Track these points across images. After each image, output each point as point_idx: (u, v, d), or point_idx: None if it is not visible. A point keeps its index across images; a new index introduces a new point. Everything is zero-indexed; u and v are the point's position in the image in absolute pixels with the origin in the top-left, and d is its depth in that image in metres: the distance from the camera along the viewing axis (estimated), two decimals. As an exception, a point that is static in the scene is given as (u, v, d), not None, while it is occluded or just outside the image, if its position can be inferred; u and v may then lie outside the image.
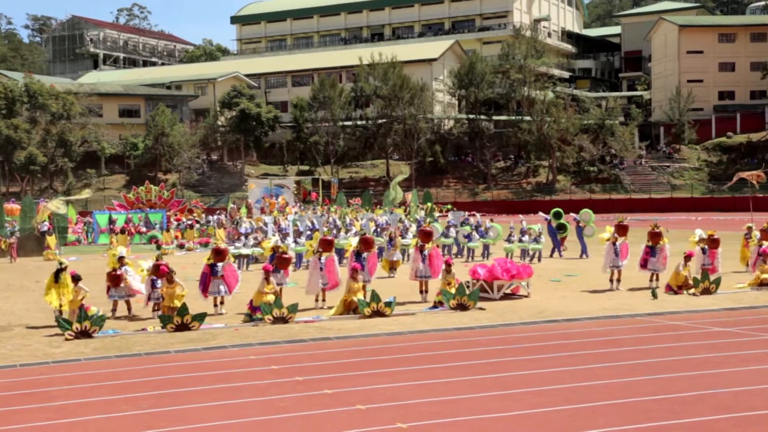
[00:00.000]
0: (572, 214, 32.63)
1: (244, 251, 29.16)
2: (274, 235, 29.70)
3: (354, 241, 22.17)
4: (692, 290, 20.05)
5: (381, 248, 27.97)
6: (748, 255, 24.38)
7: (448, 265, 19.32)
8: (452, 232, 32.10)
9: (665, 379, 11.68)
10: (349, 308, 18.00)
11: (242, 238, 30.72)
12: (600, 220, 34.67)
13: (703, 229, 23.21)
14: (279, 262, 19.55)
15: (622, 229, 22.03)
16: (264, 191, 58.56)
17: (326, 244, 19.66)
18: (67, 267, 17.58)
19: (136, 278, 18.75)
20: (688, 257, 20.90)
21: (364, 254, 20.81)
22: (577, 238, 31.33)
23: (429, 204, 47.65)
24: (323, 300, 19.23)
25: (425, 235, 21.07)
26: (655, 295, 19.55)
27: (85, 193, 42.51)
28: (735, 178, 53.41)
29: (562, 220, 31.77)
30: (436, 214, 43.93)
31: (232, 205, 51.23)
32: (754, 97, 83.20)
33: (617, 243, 21.42)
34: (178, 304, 16.90)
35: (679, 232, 37.66)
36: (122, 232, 40.40)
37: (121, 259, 18.72)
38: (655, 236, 21.41)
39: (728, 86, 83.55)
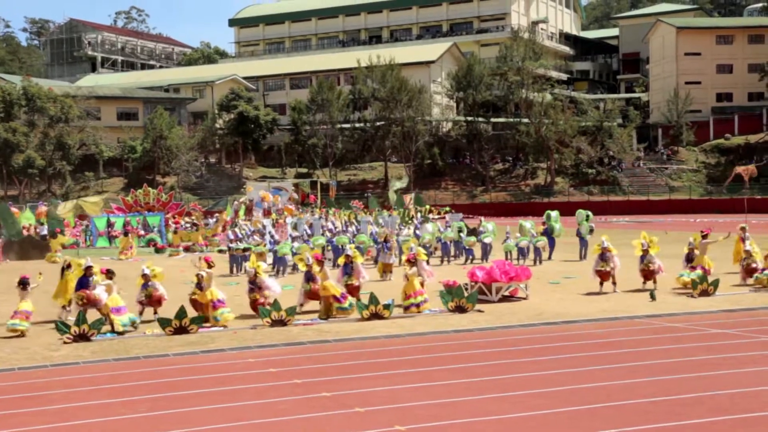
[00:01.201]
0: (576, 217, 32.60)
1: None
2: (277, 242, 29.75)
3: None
4: (691, 291, 20.12)
5: (378, 251, 27.98)
6: (742, 253, 24.58)
7: (409, 261, 19.44)
8: (448, 230, 32.05)
9: (664, 380, 11.69)
10: (328, 305, 18.01)
11: (237, 242, 30.62)
12: (598, 222, 34.67)
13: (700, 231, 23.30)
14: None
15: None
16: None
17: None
18: (71, 265, 17.83)
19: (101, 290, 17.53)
20: (705, 235, 21.18)
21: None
22: (578, 239, 31.31)
23: (425, 207, 47.54)
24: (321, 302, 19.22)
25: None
26: (653, 297, 19.55)
27: (96, 199, 43.61)
28: (732, 175, 53.70)
29: (551, 221, 31.74)
30: (432, 216, 43.92)
31: (248, 199, 51.56)
32: (751, 99, 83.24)
33: (606, 254, 21.31)
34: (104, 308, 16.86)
35: (678, 233, 37.71)
36: (126, 234, 40.64)
37: (88, 269, 17.62)
38: (648, 274, 21.35)
39: (726, 88, 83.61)
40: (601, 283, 21.15)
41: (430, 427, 9.69)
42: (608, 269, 20.99)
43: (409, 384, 11.78)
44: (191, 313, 17.04)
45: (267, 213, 49.60)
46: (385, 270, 26.10)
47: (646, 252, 21.30)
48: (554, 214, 32.03)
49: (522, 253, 29.59)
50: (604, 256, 21.14)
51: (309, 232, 32.70)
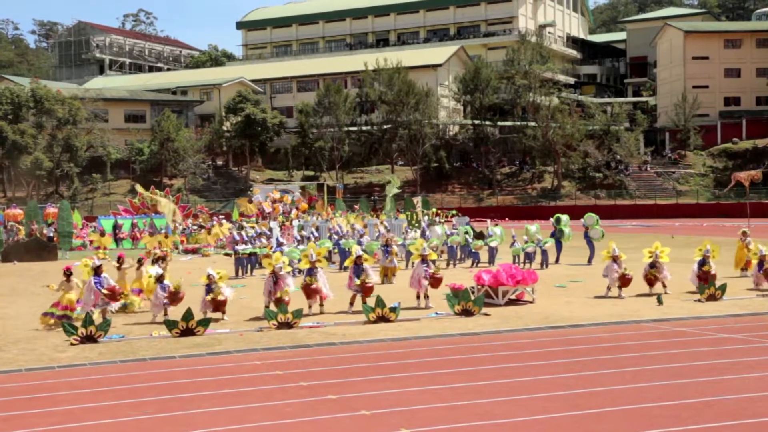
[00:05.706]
0: (581, 221, 32.56)
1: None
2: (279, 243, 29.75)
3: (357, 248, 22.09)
4: (698, 296, 20.08)
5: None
6: (744, 258, 24.61)
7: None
8: (458, 232, 32.06)
9: (670, 385, 11.65)
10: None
11: (243, 244, 30.60)
12: (605, 226, 34.58)
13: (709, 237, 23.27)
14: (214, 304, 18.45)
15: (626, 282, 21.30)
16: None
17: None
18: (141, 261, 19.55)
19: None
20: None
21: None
22: (586, 243, 31.22)
23: (432, 210, 47.38)
24: (321, 305, 19.22)
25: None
26: (660, 302, 19.50)
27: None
28: (732, 182, 53.82)
29: (561, 225, 31.66)
30: (439, 219, 43.91)
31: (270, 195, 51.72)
32: (759, 103, 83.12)
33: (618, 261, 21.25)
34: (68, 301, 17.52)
35: (685, 238, 37.61)
36: (151, 234, 41.25)
37: (98, 268, 18.13)
38: (653, 281, 21.29)
39: (734, 92, 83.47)
40: (651, 286, 21.16)
41: (436, 429, 9.68)
42: (659, 276, 21.00)
43: (415, 387, 11.77)
44: (198, 315, 17.07)
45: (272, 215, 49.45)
46: (386, 273, 26.06)
47: (657, 260, 21.23)
48: (564, 218, 31.96)
49: (529, 257, 29.56)
50: (617, 260, 21.08)
51: (316, 234, 32.69)
